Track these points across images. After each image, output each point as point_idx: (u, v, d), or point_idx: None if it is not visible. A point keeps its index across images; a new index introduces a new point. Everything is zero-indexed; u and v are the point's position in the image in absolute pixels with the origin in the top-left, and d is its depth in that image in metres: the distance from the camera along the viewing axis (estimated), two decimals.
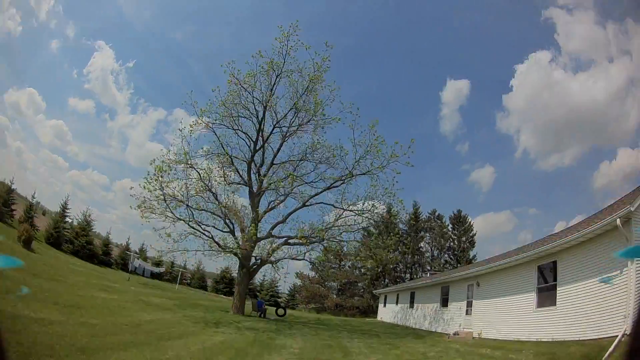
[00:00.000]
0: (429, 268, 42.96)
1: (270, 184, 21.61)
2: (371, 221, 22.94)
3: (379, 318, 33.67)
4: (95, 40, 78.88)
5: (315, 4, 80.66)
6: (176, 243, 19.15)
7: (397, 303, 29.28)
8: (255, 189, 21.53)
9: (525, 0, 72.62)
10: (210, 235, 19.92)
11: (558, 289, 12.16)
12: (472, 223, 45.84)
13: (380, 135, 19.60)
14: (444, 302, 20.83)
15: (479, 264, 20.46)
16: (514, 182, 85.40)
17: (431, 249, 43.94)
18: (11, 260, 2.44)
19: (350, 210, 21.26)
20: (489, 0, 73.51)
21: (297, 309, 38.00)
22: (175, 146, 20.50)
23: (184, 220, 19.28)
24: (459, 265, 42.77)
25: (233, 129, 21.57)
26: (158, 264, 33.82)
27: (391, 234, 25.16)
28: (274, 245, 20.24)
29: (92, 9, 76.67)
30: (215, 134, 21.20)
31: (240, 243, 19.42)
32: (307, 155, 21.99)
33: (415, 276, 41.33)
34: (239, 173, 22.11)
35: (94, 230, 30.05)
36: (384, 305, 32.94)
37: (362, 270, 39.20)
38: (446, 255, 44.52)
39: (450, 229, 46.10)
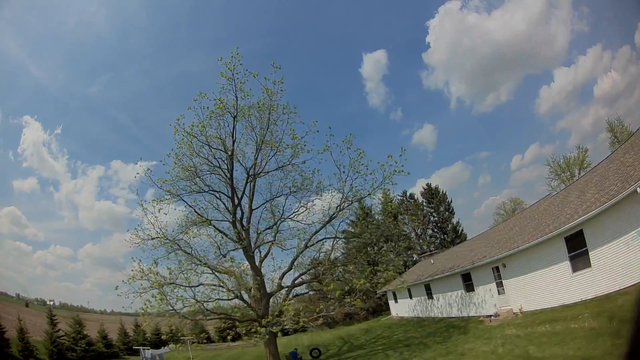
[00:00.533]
0: (419, 249, 44.82)
1: (258, 234, 20.75)
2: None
3: (394, 314, 34.80)
4: (21, 116, 75.88)
5: (213, 24, 79.73)
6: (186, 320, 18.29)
7: (410, 297, 30.48)
8: (251, 245, 20.20)
9: None
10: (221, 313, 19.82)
11: (590, 252, 13.95)
12: (444, 191, 48.12)
13: (359, 150, 18.34)
14: (469, 288, 22.25)
15: (502, 244, 21.48)
16: (457, 133, 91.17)
17: (414, 229, 46.13)
18: None
19: (352, 237, 22.69)
20: None
21: (307, 331, 38.09)
22: (144, 230, 18.62)
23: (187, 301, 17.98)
24: (445, 236, 45.69)
25: (203, 191, 19.99)
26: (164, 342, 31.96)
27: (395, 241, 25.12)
28: (285, 304, 18.82)
29: (10, 86, 72.37)
30: (185, 202, 19.74)
31: (251, 304, 19.09)
32: (289, 191, 20.86)
33: (409, 262, 43.06)
34: (226, 236, 20.35)
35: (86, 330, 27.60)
36: (396, 301, 34.17)
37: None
38: (429, 231, 46.60)
39: (425, 204, 48.31)
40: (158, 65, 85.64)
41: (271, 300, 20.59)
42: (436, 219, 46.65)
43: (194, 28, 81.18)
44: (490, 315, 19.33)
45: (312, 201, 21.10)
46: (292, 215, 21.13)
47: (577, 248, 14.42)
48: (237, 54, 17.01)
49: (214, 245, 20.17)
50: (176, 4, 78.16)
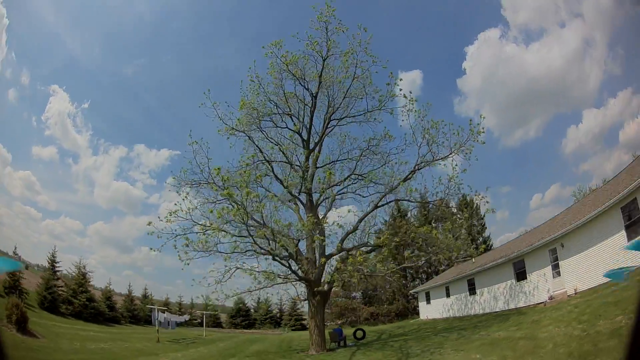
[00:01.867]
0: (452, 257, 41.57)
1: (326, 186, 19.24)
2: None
3: (423, 317, 32.24)
4: (49, 85, 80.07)
5: (255, 20, 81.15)
6: (219, 284, 16.06)
7: (448, 295, 28.05)
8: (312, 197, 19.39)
9: None
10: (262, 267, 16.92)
11: None
12: (478, 205, 45.46)
13: (437, 121, 18.28)
14: (520, 276, 20.57)
15: (555, 227, 19.77)
16: (482, 165, 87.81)
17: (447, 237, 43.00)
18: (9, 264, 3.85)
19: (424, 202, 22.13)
20: None
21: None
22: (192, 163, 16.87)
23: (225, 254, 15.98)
24: (475, 250, 42.25)
25: (278, 126, 19.97)
26: (181, 312, 30.33)
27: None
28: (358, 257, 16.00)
29: (42, 54, 77.68)
30: (251, 139, 19.24)
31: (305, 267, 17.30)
32: (369, 147, 20.11)
33: (437, 271, 40.00)
34: (282, 183, 19.46)
35: (91, 283, 26.37)
36: (428, 302, 31.32)
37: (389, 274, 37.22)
38: (459, 242, 43.51)
39: (459, 216, 45.32)
40: (195, 55, 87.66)
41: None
42: (467, 231, 43.70)
43: (235, 21, 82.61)
44: (542, 302, 17.92)
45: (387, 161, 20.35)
46: (365, 172, 20.24)
47: (632, 217, 13.85)
48: (329, 5, 17.50)
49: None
50: None
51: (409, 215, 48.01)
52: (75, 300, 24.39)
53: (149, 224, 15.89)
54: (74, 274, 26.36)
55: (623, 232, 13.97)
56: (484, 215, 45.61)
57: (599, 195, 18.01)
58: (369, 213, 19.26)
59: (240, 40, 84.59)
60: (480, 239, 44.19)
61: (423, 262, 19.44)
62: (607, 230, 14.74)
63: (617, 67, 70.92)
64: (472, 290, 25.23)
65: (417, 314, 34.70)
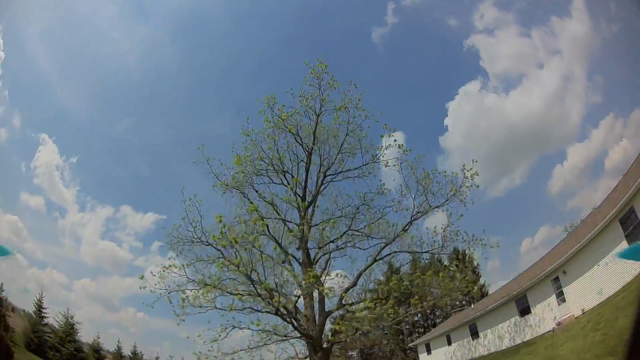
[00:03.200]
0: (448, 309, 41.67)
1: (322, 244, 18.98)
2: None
3: None
4: (39, 133, 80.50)
5: (241, 90, 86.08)
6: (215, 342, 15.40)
7: (449, 343, 28.13)
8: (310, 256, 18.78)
9: (444, 35, 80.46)
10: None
11: None
12: (471, 256, 46.69)
13: (428, 172, 18.71)
14: (524, 312, 21.17)
15: (557, 253, 20.80)
16: (469, 220, 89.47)
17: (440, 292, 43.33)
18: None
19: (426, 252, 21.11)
20: (407, 47, 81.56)
21: None
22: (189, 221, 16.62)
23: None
24: (471, 298, 42.65)
25: (273, 182, 19.64)
26: None
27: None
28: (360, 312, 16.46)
29: (34, 99, 79.18)
30: (246, 196, 19.07)
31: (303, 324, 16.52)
32: (364, 202, 19.96)
33: (434, 323, 39.96)
34: (277, 242, 18.20)
35: (79, 334, 25.23)
36: (429, 353, 31.09)
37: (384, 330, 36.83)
38: (458, 282, 43.98)
39: (453, 268, 46.43)
40: (184, 120, 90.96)
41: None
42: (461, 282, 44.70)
43: (222, 90, 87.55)
44: (550, 330, 18.44)
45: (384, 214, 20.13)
46: (362, 227, 19.86)
47: (630, 225, 14.62)
48: (322, 62, 17.83)
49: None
50: (207, 63, 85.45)
51: (401, 271, 48.47)
52: (62, 348, 23.17)
53: (141, 277, 15.42)
54: (61, 322, 25.18)
55: (624, 243, 14.52)
56: (477, 264, 46.50)
57: (594, 218, 18.93)
58: (369, 266, 18.96)
59: (231, 107, 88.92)
60: (475, 287, 44.65)
61: (425, 308, 19.13)
62: (608, 245, 15.37)
63: (598, 96, 73.11)
64: (474, 335, 25.44)
65: None
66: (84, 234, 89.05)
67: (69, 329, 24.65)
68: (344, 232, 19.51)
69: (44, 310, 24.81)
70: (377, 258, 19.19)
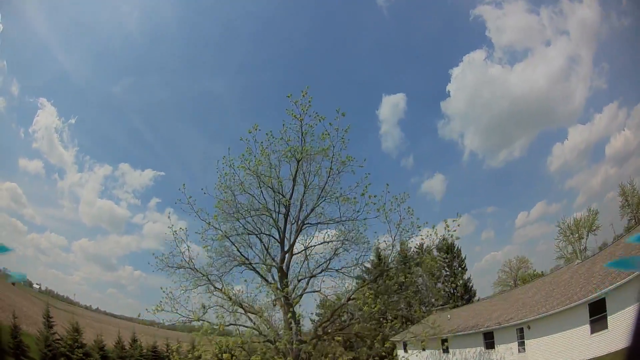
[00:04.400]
0: (431, 301, 44.66)
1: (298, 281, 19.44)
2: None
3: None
4: (38, 97, 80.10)
5: (240, 50, 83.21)
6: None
7: (424, 349, 30.39)
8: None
9: (451, 3, 77.70)
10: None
11: (609, 317, 16.07)
12: (459, 247, 49.09)
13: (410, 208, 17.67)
14: (489, 345, 23.80)
15: (525, 307, 23.06)
16: (466, 186, 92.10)
17: (425, 282, 46.15)
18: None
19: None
20: (415, 10, 78.84)
21: None
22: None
23: None
24: (455, 291, 45.70)
25: (253, 233, 19.52)
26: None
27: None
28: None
29: (33, 65, 77.50)
30: (227, 237, 18.87)
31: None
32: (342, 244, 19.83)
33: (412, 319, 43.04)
34: (267, 282, 18.79)
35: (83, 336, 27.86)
36: (405, 351, 33.94)
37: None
38: (439, 285, 46.74)
39: (441, 259, 48.99)
40: (182, 79, 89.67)
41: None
42: (448, 273, 47.07)
43: (221, 50, 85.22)
44: None
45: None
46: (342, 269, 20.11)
47: (597, 313, 16.63)
48: (307, 94, 16.78)
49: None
50: (208, 23, 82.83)
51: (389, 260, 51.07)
52: (73, 356, 25.93)
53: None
54: (68, 327, 27.73)
55: (587, 326, 16.87)
56: (464, 257, 49.06)
57: (570, 283, 20.63)
58: (354, 292, 19.31)
59: (229, 68, 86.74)
60: (461, 281, 47.10)
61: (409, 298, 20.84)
62: (571, 321, 17.58)
63: (603, 82, 73.88)
64: (445, 350, 27.85)
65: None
66: (83, 194, 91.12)
67: (75, 336, 27.29)
68: (322, 270, 19.75)
69: (51, 319, 27.19)
70: (364, 284, 20.46)
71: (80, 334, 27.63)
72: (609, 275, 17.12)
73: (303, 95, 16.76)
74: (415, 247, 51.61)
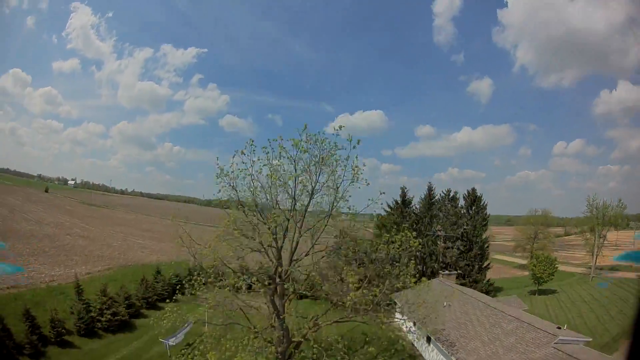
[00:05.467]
0: (441, 258, 45.54)
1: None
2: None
3: None
4: (69, 3, 73.72)
5: None
6: None
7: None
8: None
9: None
10: None
11: None
12: (486, 203, 48.32)
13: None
14: None
15: None
16: (512, 97, 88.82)
17: (444, 231, 46.35)
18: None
19: None
20: None
21: None
22: None
23: None
24: (470, 250, 46.20)
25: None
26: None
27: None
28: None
29: None
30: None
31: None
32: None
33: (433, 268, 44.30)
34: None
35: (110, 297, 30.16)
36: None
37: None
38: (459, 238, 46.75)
39: (463, 209, 48.48)
40: None
41: None
42: (469, 227, 46.47)
43: None
44: None
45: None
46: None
47: None
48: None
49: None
50: None
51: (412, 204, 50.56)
52: (102, 319, 28.59)
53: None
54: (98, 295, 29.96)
55: None
56: (487, 216, 49.25)
57: None
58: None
59: None
60: (479, 239, 47.74)
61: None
62: None
63: None
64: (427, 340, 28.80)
65: None
66: (122, 80, 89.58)
67: (104, 299, 29.60)
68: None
69: (80, 285, 29.07)
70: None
71: (108, 299, 29.93)
72: None
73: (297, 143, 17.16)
74: (442, 192, 51.20)
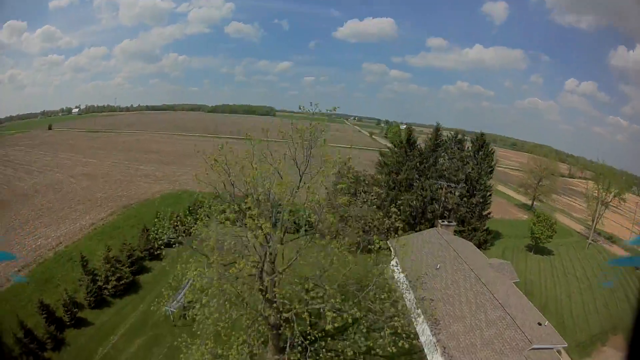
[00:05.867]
0: (442, 202, 45.41)
1: None
2: None
3: None
4: None
5: None
6: None
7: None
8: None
9: None
10: None
11: None
12: (493, 150, 47.09)
13: None
14: None
15: None
16: (528, 24, 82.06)
17: (446, 175, 45.73)
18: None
19: None
20: None
21: None
22: None
23: None
24: (472, 197, 45.84)
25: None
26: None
27: None
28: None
29: None
30: None
31: None
32: None
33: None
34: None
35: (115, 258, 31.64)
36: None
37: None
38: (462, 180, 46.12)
39: (470, 152, 47.28)
40: None
41: None
42: (474, 173, 45.53)
43: None
44: None
45: None
46: None
47: None
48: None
49: None
50: None
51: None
52: (109, 286, 30.29)
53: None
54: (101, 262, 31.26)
55: None
56: (494, 163, 48.32)
57: None
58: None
59: None
60: (483, 187, 46.78)
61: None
62: None
63: None
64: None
65: None
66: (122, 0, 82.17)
67: (109, 267, 30.97)
68: None
69: (86, 260, 30.28)
70: None
71: (113, 265, 31.25)
72: None
73: None
74: (449, 134, 49.50)
